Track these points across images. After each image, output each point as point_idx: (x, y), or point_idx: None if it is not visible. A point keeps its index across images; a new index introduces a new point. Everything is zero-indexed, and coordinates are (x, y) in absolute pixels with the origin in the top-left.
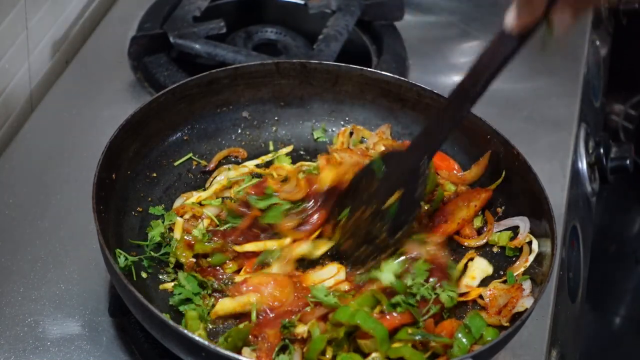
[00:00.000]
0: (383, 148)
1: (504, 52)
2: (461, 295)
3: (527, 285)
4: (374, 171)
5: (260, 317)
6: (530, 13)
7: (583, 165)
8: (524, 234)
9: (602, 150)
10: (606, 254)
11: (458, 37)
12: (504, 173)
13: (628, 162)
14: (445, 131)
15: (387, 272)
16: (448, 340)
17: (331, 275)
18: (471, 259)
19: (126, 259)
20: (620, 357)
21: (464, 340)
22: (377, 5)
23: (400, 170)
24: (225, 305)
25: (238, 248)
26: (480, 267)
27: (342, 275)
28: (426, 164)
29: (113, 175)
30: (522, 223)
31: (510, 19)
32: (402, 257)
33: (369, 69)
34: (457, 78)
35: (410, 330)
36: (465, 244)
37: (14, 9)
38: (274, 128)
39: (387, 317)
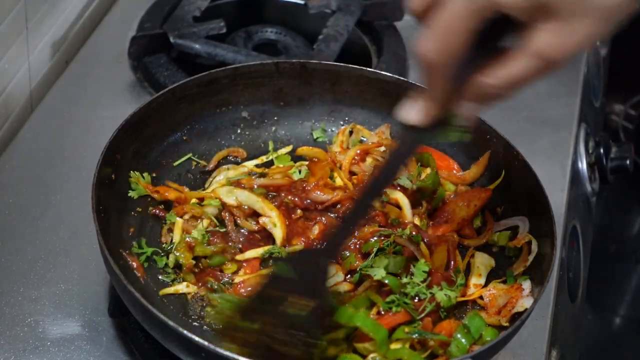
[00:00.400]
0: (383, 148)
1: (410, 143)
2: (461, 295)
3: (526, 285)
4: (279, 277)
5: None
6: (431, 109)
7: (583, 165)
8: (523, 234)
9: (602, 150)
10: (606, 254)
11: None
12: (503, 173)
13: (628, 162)
14: (344, 235)
15: (379, 268)
16: (446, 338)
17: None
18: (472, 256)
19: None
20: (620, 357)
21: (462, 340)
22: (377, 5)
23: (306, 275)
24: None
25: (239, 257)
26: (482, 263)
27: (340, 276)
28: (324, 266)
29: (113, 176)
30: (522, 223)
31: (411, 114)
32: (399, 256)
33: (368, 69)
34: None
35: (407, 329)
36: (465, 243)
37: (14, 9)
38: (274, 128)
39: (385, 317)
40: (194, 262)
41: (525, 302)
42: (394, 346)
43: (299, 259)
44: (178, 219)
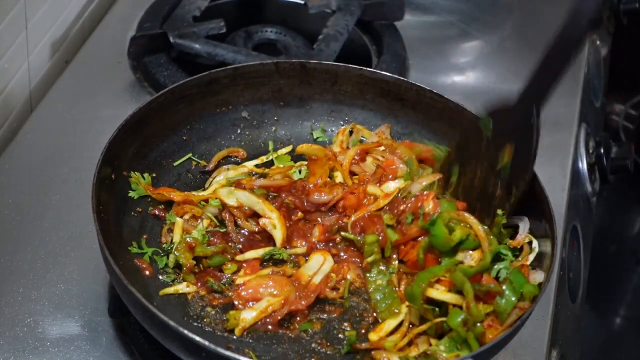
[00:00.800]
0: (382, 148)
1: None
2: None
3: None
4: (481, 129)
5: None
6: None
7: (583, 165)
8: (523, 234)
9: (602, 150)
10: (606, 254)
11: (458, 37)
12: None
13: (628, 162)
14: (552, 79)
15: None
16: (500, 288)
17: (320, 264)
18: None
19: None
20: (620, 357)
21: (509, 294)
22: (377, 5)
23: (510, 126)
24: (248, 318)
25: (239, 257)
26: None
27: (329, 263)
28: (536, 115)
29: (112, 176)
30: (522, 223)
31: None
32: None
33: (368, 69)
34: (457, 78)
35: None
36: None
37: (13, 9)
38: (274, 128)
39: None
40: (194, 262)
41: (537, 277)
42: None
43: (500, 112)
44: (178, 219)
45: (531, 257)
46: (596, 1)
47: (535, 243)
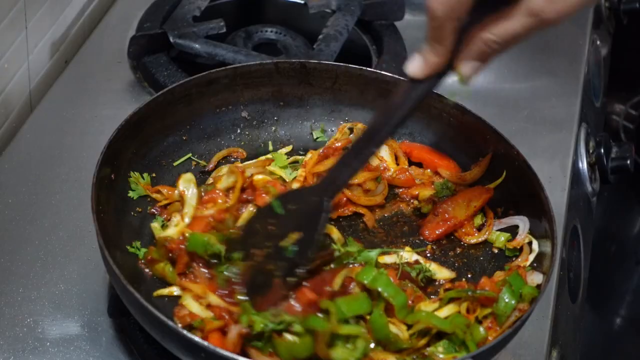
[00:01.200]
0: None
1: (414, 95)
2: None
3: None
4: (271, 212)
5: None
6: (436, 56)
7: (583, 165)
8: (522, 235)
9: (602, 150)
10: (606, 254)
11: None
12: (504, 173)
13: (629, 162)
14: (345, 175)
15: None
16: (494, 294)
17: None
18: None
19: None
20: (620, 357)
21: (508, 297)
22: (377, 5)
23: (299, 211)
24: None
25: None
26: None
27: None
28: (327, 205)
29: (112, 176)
30: (522, 223)
31: (414, 66)
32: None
33: (368, 69)
34: (457, 78)
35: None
36: (467, 239)
37: (13, 9)
38: (273, 128)
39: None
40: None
41: (535, 278)
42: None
43: (292, 197)
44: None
45: (531, 257)
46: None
47: (535, 244)
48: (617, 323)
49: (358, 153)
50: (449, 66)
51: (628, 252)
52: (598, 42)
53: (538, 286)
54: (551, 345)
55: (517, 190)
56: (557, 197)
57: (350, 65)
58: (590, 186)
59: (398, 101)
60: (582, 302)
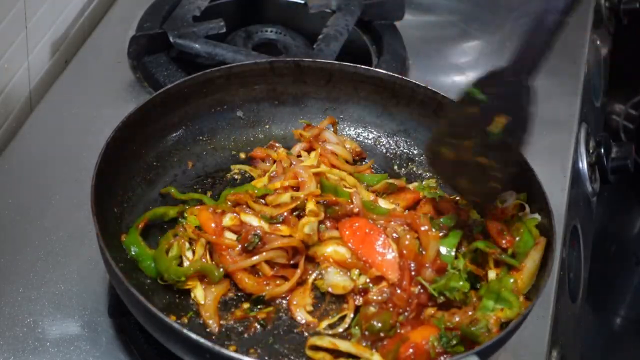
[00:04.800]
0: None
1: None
2: None
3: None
4: (470, 100)
5: None
6: None
7: (583, 165)
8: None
9: (602, 150)
10: (606, 254)
11: (458, 37)
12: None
13: (629, 162)
14: (540, 51)
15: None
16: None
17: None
18: None
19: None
20: (620, 357)
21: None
22: (377, 5)
23: (501, 94)
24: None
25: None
26: None
27: None
28: (528, 81)
29: (111, 177)
30: (510, 197)
31: None
32: None
33: (362, 66)
34: (457, 78)
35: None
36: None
37: (13, 9)
38: (269, 127)
39: None
40: None
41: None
42: None
43: (489, 80)
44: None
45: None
46: None
47: (527, 208)
48: (617, 323)
49: (545, 26)
50: None
51: (628, 252)
52: (598, 42)
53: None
54: (551, 345)
55: (517, 190)
56: (557, 197)
57: (344, 63)
58: (590, 186)
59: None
60: (582, 302)
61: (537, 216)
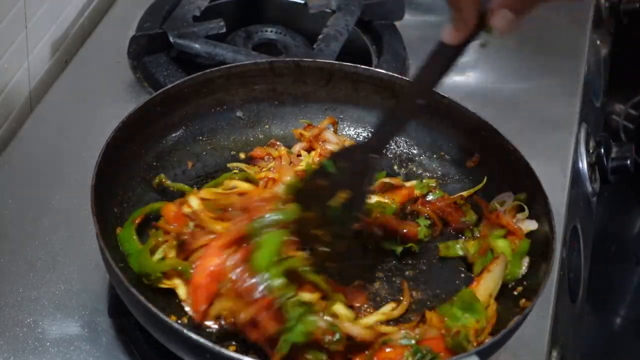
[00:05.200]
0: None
1: (448, 56)
2: None
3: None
4: (322, 172)
5: None
6: (464, 27)
7: (583, 165)
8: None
9: (602, 150)
10: (607, 254)
11: None
12: (485, 179)
13: (629, 162)
14: (390, 131)
15: None
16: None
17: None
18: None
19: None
20: (620, 357)
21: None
22: (377, 5)
23: (348, 170)
24: None
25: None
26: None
27: None
28: (373, 162)
29: (111, 177)
30: (508, 199)
31: (447, 35)
32: None
33: (362, 67)
34: (457, 78)
35: None
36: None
37: (13, 9)
38: (269, 127)
39: None
40: None
41: (529, 225)
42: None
43: (343, 155)
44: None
45: (519, 215)
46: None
47: (527, 209)
48: (617, 323)
49: (404, 109)
50: (481, 25)
51: (628, 252)
52: (598, 42)
53: (530, 233)
54: (551, 345)
55: (517, 191)
56: (557, 197)
57: (344, 63)
58: (590, 186)
59: (434, 62)
60: (582, 302)
61: (535, 224)
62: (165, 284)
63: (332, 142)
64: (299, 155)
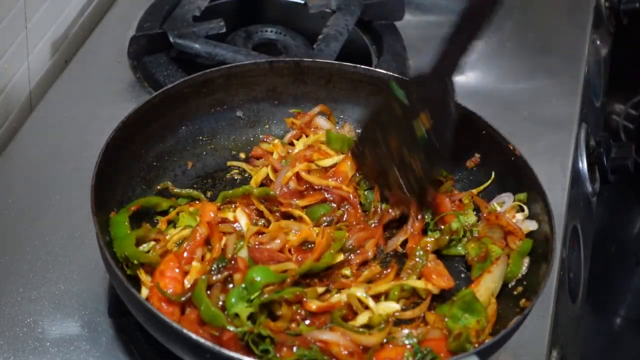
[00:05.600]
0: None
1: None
2: None
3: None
4: (393, 100)
5: None
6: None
7: (583, 165)
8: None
9: (602, 150)
10: (606, 254)
11: None
12: (493, 175)
13: (629, 162)
14: (459, 54)
15: None
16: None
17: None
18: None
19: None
20: (620, 357)
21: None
22: (377, 5)
23: (424, 95)
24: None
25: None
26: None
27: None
28: (449, 84)
29: (111, 177)
30: (508, 200)
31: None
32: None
33: (362, 66)
34: (457, 78)
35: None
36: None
37: (13, 9)
38: (269, 127)
39: None
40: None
41: (529, 225)
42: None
43: (414, 84)
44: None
45: (519, 216)
46: None
47: (526, 209)
48: (617, 323)
49: (469, 31)
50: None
51: (628, 252)
52: (598, 42)
53: (530, 233)
54: (551, 345)
55: (517, 191)
56: (557, 197)
57: (343, 63)
58: (590, 186)
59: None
60: (582, 302)
61: (535, 225)
62: (138, 271)
63: (325, 127)
64: (291, 143)
